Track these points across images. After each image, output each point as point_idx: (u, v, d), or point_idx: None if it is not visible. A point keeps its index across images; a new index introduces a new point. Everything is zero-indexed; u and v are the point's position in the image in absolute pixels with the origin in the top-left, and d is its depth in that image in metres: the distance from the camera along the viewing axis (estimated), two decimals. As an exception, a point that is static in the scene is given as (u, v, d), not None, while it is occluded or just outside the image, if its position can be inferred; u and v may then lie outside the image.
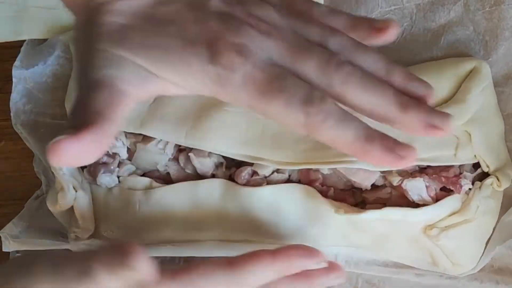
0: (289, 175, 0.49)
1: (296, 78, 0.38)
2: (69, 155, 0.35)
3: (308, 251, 0.43)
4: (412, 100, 0.39)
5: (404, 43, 0.50)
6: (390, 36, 0.41)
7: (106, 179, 0.50)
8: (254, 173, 0.49)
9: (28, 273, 0.39)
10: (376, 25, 0.41)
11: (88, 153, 0.36)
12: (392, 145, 0.38)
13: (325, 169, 0.48)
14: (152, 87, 0.40)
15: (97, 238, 0.51)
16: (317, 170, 0.48)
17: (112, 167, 0.50)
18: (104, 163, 0.50)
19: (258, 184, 0.48)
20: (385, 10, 0.51)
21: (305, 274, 0.44)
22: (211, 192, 0.49)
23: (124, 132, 0.51)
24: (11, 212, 0.54)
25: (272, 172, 0.49)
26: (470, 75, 0.48)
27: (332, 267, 0.44)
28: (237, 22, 0.39)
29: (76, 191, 0.50)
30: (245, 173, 0.49)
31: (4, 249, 0.52)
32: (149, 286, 0.40)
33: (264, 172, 0.49)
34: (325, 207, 0.47)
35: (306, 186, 0.48)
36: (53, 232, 0.53)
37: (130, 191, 0.50)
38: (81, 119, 0.36)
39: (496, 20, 0.48)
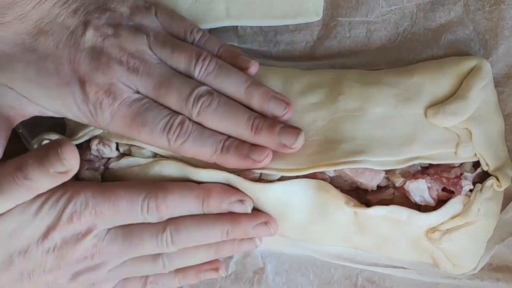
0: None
1: (159, 109, 0.45)
2: None
3: (229, 187, 0.47)
4: (265, 123, 0.45)
5: (405, 42, 0.51)
6: (250, 73, 0.47)
7: (86, 174, 0.50)
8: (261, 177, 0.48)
9: None
10: (238, 63, 0.47)
11: None
12: (246, 152, 0.45)
13: (330, 171, 0.48)
14: (31, 110, 0.45)
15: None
16: (323, 172, 0.48)
17: (97, 165, 0.50)
18: (89, 160, 0.50)
19: (269, 181, 0.48)
20: (386, 9, 0.51)
21: (230, 215, 0.47)
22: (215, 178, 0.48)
23: (116, 142, 0.50)
24: (11, 212, 0.54)
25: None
26: (471, 73, 0.48)
27: (260, 214, 0.48)
28: (107, 59, 0.44)
29: None
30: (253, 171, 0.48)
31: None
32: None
33: (271, 178, 0.48)
34: (335, 201, 0.47)
35: (318, 180, 0.47)
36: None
37: (126, 170, 0.50)
38: None
39: (496, 20, 0.49)
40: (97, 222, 0.45)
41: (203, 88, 0.45)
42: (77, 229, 0.45)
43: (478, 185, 0.47)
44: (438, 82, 0.48)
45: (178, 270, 0.50)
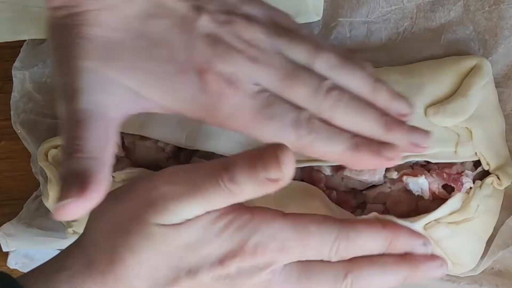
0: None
1: (285, 102, 0.40)
2: (77, 212, 0.35)
3: (415, 231, 0.43)
4: (394, 120, 0.41)
5: (405, 42, 0.50)
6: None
7: None
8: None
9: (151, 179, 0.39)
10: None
11: (93, 203, 0.36)
12: (377, 148, 0.41)
13: (327, 170, 0.48)
14: (139, 108, 0.40)
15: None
16: (319, 171, 0.48)
17: None
18: None
19: None
20: (386, 10, 0.51)
21: (409, 257, 0.43)
22: None
23: (121, 133, 0.50)
24: (11, 212, 0.55)
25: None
26: (471, 72, 0.47)
27: (436, 257, 0.43)
28: (225, 46, 0.40)
29: None
30: None
31: (4, 249, 0.52)
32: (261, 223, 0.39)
33: None
34: (319, 212, 0.46)
35: (310, 185, 0.47)
36: (51, 233, 0.53)
37: (125, 182, 0.49)
38: (78, 168, 0.36)
39: (496, 20, 0.49)
40: (279, 257, 0.39)
41: (330, 81, 0.40)
42: (257, 262, 0.39)
43: (478, 182, 0.47)
44: (438, 81, 0.47)
45: None
